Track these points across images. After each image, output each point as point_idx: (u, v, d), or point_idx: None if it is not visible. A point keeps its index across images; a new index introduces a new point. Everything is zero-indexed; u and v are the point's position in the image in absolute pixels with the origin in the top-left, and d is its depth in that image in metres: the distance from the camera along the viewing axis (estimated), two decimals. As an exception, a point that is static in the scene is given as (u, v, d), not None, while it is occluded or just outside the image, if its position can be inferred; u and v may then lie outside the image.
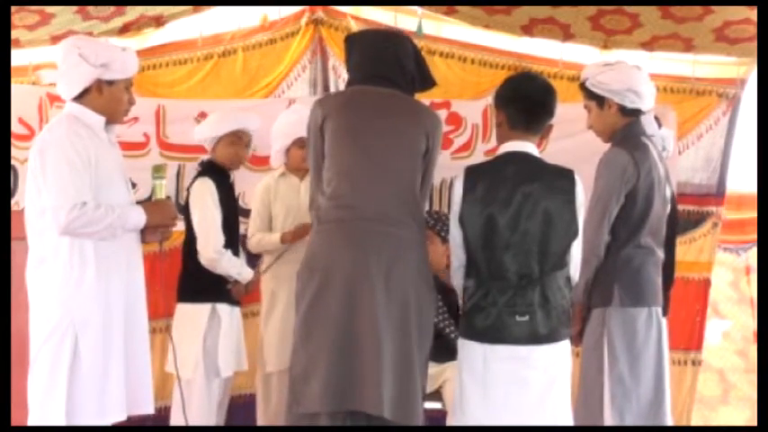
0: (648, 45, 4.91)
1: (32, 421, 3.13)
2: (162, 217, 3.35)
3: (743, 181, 5.53)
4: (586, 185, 3.22)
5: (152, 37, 5.11)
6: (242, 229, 4.57)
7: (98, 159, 3.20)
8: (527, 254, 3.08)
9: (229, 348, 4.26)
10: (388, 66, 3.37)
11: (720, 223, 5.20)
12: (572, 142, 4.61)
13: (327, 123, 3.31)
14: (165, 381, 4.63)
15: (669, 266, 3.73)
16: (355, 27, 5.06)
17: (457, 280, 3.23)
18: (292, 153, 4.47)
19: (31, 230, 3.21)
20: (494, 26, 4.99)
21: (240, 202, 4.69)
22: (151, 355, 3.41)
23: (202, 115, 4.84)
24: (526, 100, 3.19)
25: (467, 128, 5.06)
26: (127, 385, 3.19)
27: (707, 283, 5.17)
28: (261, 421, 4.47)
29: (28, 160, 3.27)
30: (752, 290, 5.80)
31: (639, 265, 3.56)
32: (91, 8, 4.62)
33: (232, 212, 4.39)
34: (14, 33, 4.59)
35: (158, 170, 3.46)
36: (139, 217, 3.26)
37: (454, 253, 3.22)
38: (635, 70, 3.71)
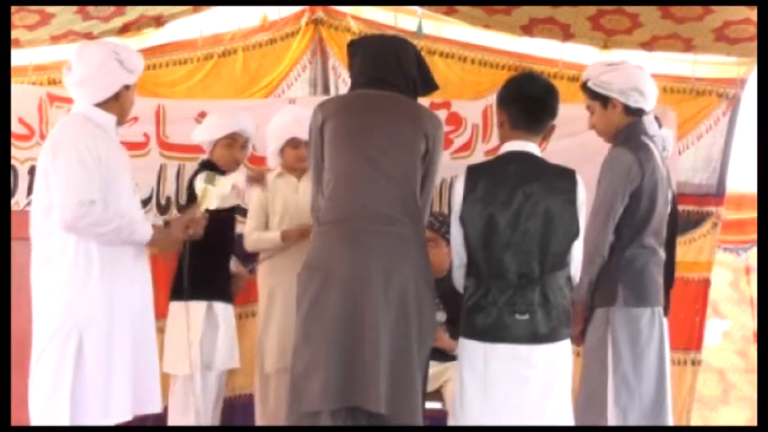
0: (648, 45, 4.90)
1: (36, 421, 3.13)
2: (164, 245, 3.47)
3: (743, 181, 5.52)
4: (587, 185, 3.21)
5: (152, 37, 5.11)
6: (239, 228, 4.58)
7: (108, 159, 3.21)
8: (527, 253, 3.08)
9: (224, 344, 4.30)
10: (390, 69, 3.38)
11: (720, 223, 5.18)
12: (572, 142, 4.60)
13: (327, 126, 3.32)
14: (164, 381, 4.62)
15: (669, 266, 3.73)
16: (355, 27, 5.07)
17: (458, 279, 3.24)
18: (286, 153, 4.49)
19: (37, 230, 3.21)
20: (494, 26, 4.98)
21: (240, 202, 4.70)
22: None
23: (202, 115, 4.84)
24: (528, 100, 3.20)
25: (467, 128, 5.05)
26: (134, 385, 3.20)
27: (707, 283, 5.15)
28: (259, 421, 4.47)
29: (31, 160, 3.27)
30: (752, 290, 5.79)
31: (643, 265, 3.56)
32: (91, 8, 4.61)
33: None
34: (14, 33, 4.59)
35: (210, 178, 3.55)
36: (145, 234, 3.26)
37: (455, 252, 3.23)
38: (638, 70, 3.72)
